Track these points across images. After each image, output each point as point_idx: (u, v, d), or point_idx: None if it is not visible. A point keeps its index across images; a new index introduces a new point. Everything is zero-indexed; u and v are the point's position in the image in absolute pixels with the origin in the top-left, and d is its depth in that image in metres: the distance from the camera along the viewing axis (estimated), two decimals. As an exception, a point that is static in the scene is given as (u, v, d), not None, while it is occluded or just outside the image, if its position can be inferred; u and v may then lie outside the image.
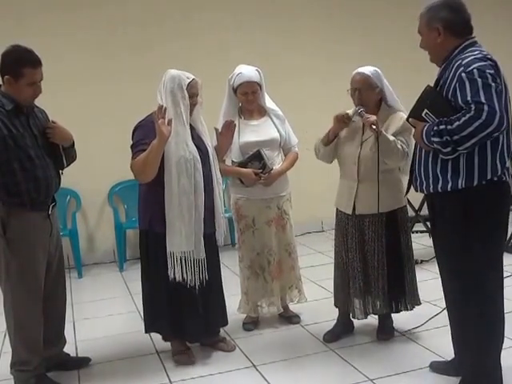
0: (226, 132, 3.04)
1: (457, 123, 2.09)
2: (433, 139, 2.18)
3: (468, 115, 2.07)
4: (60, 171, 2.82)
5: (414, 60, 5.39)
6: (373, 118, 2.78)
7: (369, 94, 2.89)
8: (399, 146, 2.80)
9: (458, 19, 2.27)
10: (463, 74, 2.13)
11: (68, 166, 2.86)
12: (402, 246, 2.96)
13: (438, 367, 2.66)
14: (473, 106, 2.06)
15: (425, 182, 2.33)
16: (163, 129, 2.64)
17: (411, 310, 3.04)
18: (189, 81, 2.82)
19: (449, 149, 2.16)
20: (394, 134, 2.84)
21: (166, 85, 2.82)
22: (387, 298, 2.97)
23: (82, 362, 3.02)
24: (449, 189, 2.24)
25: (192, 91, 2.83)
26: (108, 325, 3.65)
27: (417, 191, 2.45)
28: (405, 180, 2.99)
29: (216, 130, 3.08)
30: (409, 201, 4.05)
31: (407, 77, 5.35)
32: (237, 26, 5.38)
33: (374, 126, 2.75)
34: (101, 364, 3.04)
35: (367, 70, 2.91)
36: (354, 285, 2.99)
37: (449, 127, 2.12)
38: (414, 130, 2.39)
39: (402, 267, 2.97)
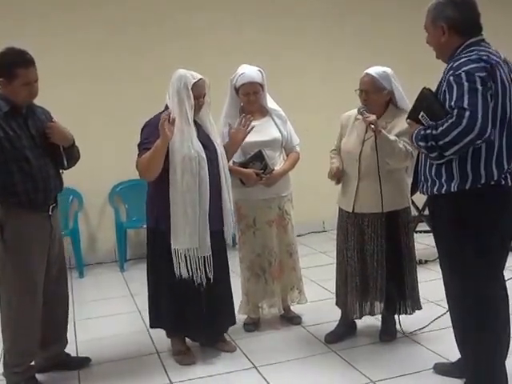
0: (240, 128, 3.03)
1: (441, 129, 2.07)
2: (419, 143, 2.18)
3: (450, 121, 2.04)
4: (61, 171, 2.80)
5: (414, 60, 5.43)
6: (372, 117, 2.76)
7: (375, 96, 2.86)
8: (401, 146, 2.77)
9: (463, 18, 2.22)
10: (451, 78, 2.10)
11: (72, 166, 2.86)
12: (403, 247, 2.94)
13: (441, 369, 2.64)
14: (455, 112, 2.03)
15: (425, 184, 2.33)
16: (166, 129, 2.66)
17: (411, 314, 3.02)
18: (194, 81, 2.82)
19: (435, 154, 2.14)
20: (398, 134, 2.82)
21: (173, 84, 2.84)
22: (385, 299, 2.95)
23: (82, 362, 3.02)
24: (443, 192, 2.23)
25: (197, 91, 2.83)
26: (108, 325, 3.64)
27: (420, 192, 2.45)
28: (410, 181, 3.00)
29: (230, 125, 3.07)
30: (412, 200, 4.04)
31: (407, 77, 5.31)
32: (237, 26, 5.36)
33: (373, 126, 2.73)
34: (101, 364, 3.03)
35: (375, 71, 2.87)
36: (352, 284, 2.98)
37: (434, 132, 2.10)
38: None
39: (402, 269, 2.95)
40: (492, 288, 2.28)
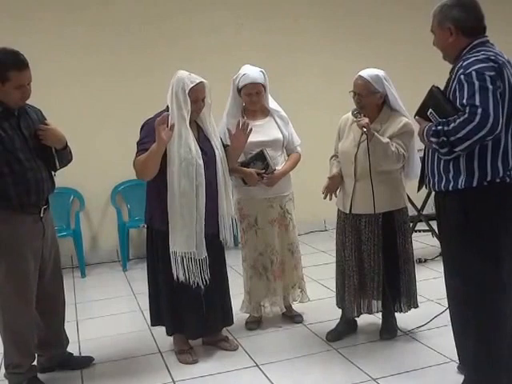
0: (239, 133, 3.00)
1: (452, 125, 2.11)
2: (431, 139, 2.21)
3: (462, 118, 2.09)
4: (53, 173, 2.77)
5: (417, 60, 5.44)
6: (364, 120, 2.79)
7: (368, 99, 2.89)
8: (393, 149, 2.81)
9: (469, 18, 2.28)
10: (462, 76, 2.15)
11: (63, 167, 2.82)
12: (399, 247, 2.96)
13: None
14: (467, 109, 2.08)
15: (431, 179, 2.37)
16: (162, 134, 2.66)
17: (406, 312, 3.05)
18: (192, 85, 2.80)
19: (445, 149, 2.18)
20: (390, 137, 2.86)
21: (172, 86, 2.84)
22: (382, 298, 2.98)
23: (85, 362, 3.03)
24: (450, 188, 2.26)
25: (195, 95, 2.82)
26: (111, 324, 3.65)
27: (426, 188, 2.48)
28: (406, 182, 3.02)
29: (229, 130, 3.08)
30: (411, 200, 4.05)
31: (410, 77, 5.36)
32: (238, 26, 5.37)
33: (365, 129, 2.75)
34: (104, 363, 3.05)
35: (368, 74, 2.89)
36: (349, 283, 3.00)
37: (445, 128, 2.14)
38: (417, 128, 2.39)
39: (398, 269, 2.97)
40: (494, 285, 2.28)
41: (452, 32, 2.28)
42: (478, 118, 2.05)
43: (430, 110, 2.26)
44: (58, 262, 2.88)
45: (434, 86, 2.30)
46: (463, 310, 2.36)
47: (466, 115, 2.08)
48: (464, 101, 2.11)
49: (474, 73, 2.12)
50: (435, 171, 2.33)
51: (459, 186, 2.23)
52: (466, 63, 2.18)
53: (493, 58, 2.18)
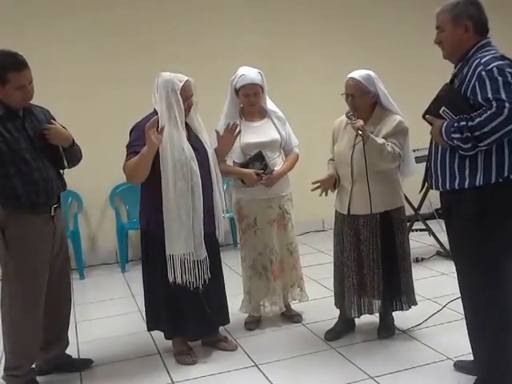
0: (228, 134, 3.03)
1: (478, 119, 2.12)
2: (453, 135, 2.20)
3: (489, 112, 2.10)
4: (62, 172, 2.79)
5: (414, 61, 5.45)
6: (359, 122, 2.79)
7: (361, 100, 2.90)
8: (389, 149, 2.82)
9: (482, 18, 2.32)
10: (483, 72, 2.16)
11: (74, 165, 2.84)
12: (397, 246, 2.97)
13: (462, 366, 2.63)
14: (494, 103, 2.09)
15: (441, 179, 2.35)
16: (153, 137, 2.66)
17: (407, 310, 3.06)
18: (181, 84, 2.82)
19: (469, 145, 2.18)
20: (385, 137, 2.87)
21: (159, 89, 2.83)
22: (382, 297, 2.99)
23: (84, 364, 3.03)
24: (466, 186, 2.26)
25: (186, 94, 2.84)
26: (110, 326, 3.66)
27: (432, 189, 2.47)
28: (403, 181, 3.02)
29: (217, 132, 3.09)
30: (408, 200, 4.06)
31: (407, 78, 5.38)
32: (237, 28, 5.38)
33: (360, 131, 2.76)
34: (103, 365, 3.05)
35: (359, 74, 2.91)
36: (349, 283, 3.01)
37: (470, 123, 2.14)
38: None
39: (397, 267, 2.98)
40: (510, 280, 2.29)
41: (468, 28, 2.29)
42: (506, 112, 2.07)
43: (443, 108, 2.26)
44: (66, 262, 2.88)
45: (446, 83, 2.31)
46: (478, 307, 2.35)
47: (494, 109, 2.09)
48: (489, 95, 2.12)
49: (495, 69, 2.15)
50: (447, 169, 2.31)
51: (477, 183, 2.23)
52: (484, 60, 2.20)
53: (506, 56, 2.23)
